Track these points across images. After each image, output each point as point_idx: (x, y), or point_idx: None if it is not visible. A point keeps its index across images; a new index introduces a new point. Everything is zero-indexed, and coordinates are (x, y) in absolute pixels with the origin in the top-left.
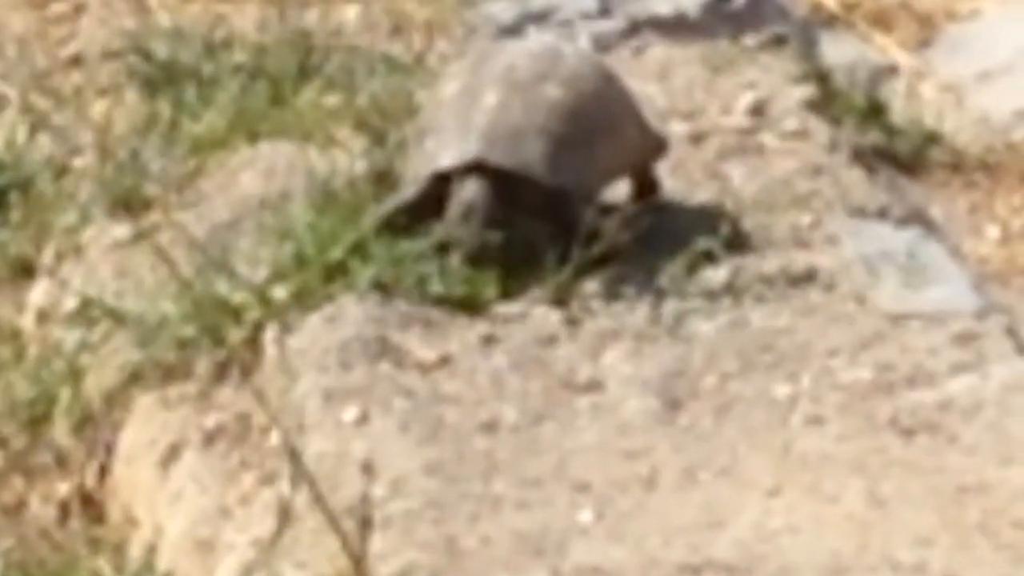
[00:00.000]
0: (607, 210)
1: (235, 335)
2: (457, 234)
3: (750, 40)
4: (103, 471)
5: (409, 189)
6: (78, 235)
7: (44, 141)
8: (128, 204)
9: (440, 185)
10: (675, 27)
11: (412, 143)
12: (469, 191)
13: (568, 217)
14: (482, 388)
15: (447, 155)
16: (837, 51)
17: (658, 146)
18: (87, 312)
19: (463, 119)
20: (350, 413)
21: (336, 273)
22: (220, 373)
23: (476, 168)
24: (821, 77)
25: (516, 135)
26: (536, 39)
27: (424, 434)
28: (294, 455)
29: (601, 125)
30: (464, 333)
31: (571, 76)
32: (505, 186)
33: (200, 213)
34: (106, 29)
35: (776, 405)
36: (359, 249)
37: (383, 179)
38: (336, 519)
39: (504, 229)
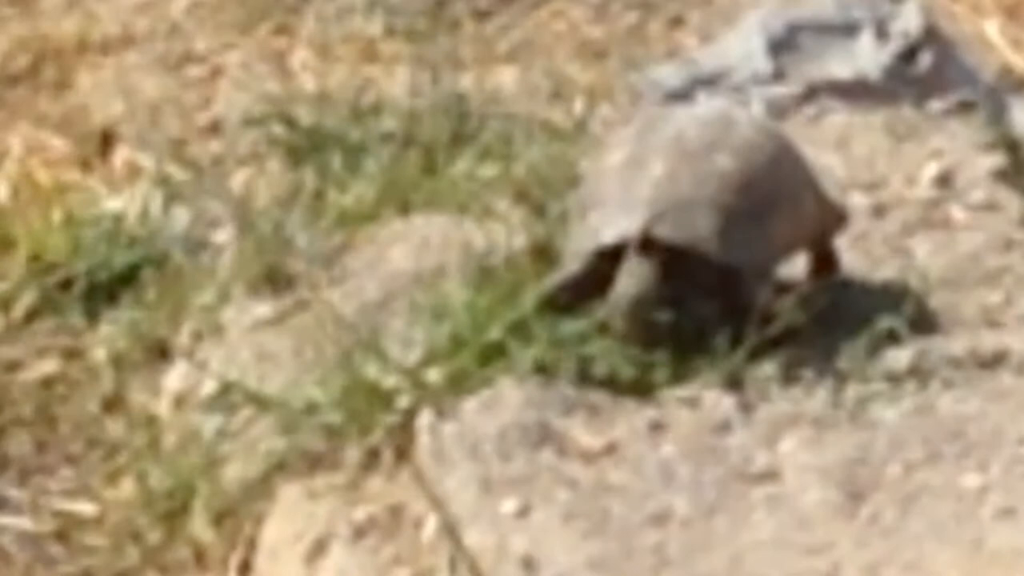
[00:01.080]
0: (783, 288)
1: (386, 421)
2: (624, 314)
3: (935, 105)
4: (244, 567)
5: (571, 266)
6: (217, 314)
7: (180, 214)
8: (271, 281)
9: (604, 261)
10: (855, 92)
11: (574, 216)
12: (635, 268)
13: (741, 295)
14: (651, 478)
15: (611, 230)
16: None
17: (838, 219)
18: (227, 397)
19: (628, 191)
20: (509, 505)
21: (494, 355)
22: (370, 462)
23: (643, 243)
24: (1011, 145)
25: (685, 208)
26: (706, 105)
27: (589, 527)
28: (458, 547)
29: (776, 197)
30: (631, 419)
31: (744, 145)
32: (674, 263)
33: (348, 291)
34: (246, 94)
35: (965, 496)
36: (519, 329)
37: (543, 254)
38: None
39: (674, 309)
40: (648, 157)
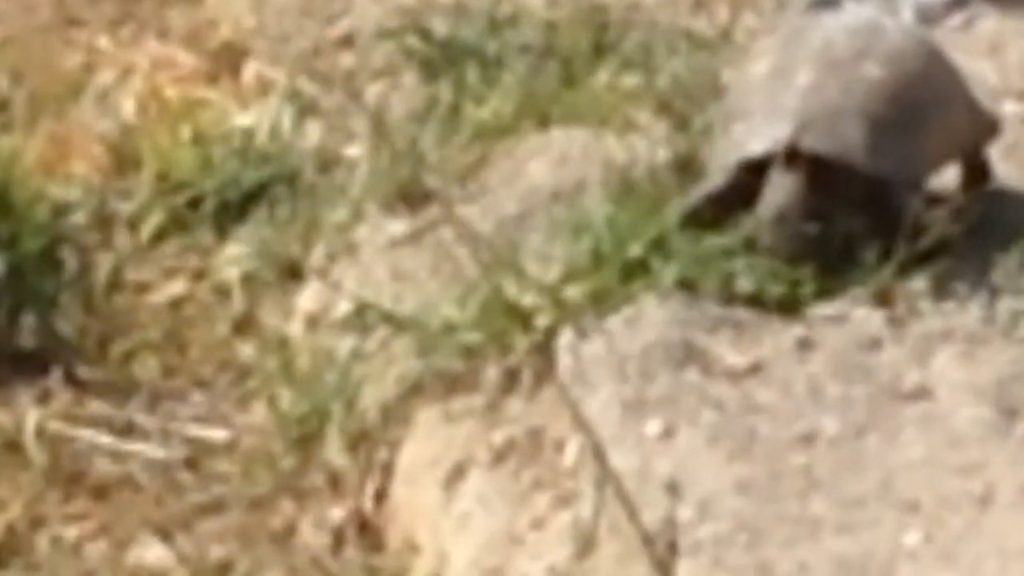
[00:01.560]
0: (934, 200)
1: (525, 341)
2: (769, 228)
3: None
4: (381, 493)
5: (715, 179)
6: (351, 233)
7: (313, 129)
8: (406, 198)
9: (750, 174)
10: None
11: (718, 128)
12: (782, 181)
13: (891, 208)
14: (798, 397)
15: (757, 141)
16: None
17: (990, 128)
18: (361, 318)
19: (774, 101)
20: (653, 426)
21: (636, 272)
22: (509, 383)
23: (790, 155)
24: None
25: (833, 118)
26: (854, 12)
27: (735, 449)
28: (604, 470)
29: (927, 106)
30: (778, 337)
31: (893, 53)
32: (822, 174)
33: (485, 207)
34: (380, 5)
35: None
36: (661, 245)
37: (687, 167)
38: (647, 543)
39: (821, 222)
40: (794, 66)
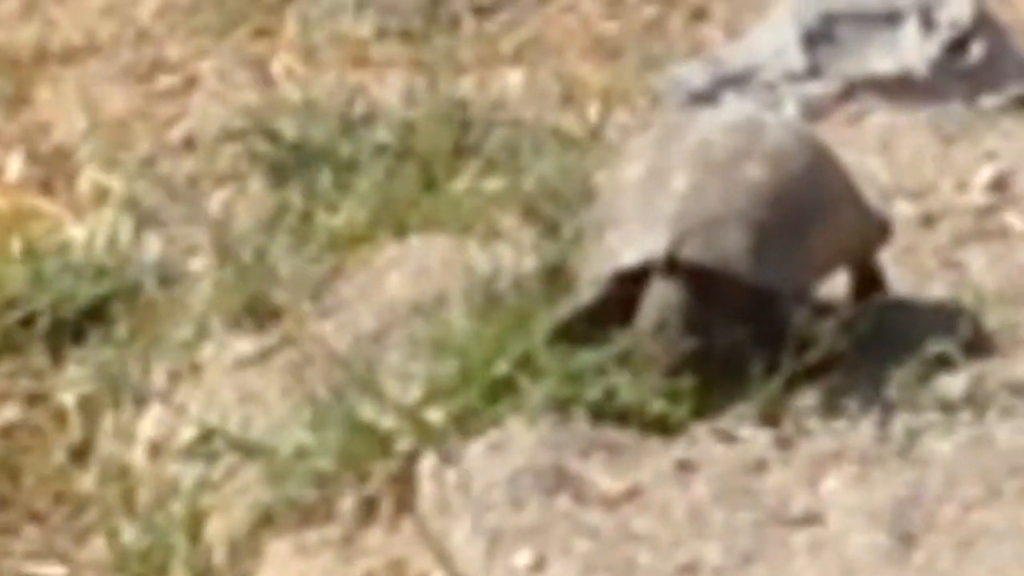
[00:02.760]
0: (822, 310)
1: (384, 468)
2: (647, 343)
3: (988, 101)
4: None
5: (587, 291)
6: (195, 352)
7: (153, 240)
8: (254, 314)
9: (624, 285)
10: (898, 88)
11: (589, 236)
12: (659, 293)
13: (776, 320)
14: (679, 524)
15: (632, 251)
16: None
17: (881, 232)
18: (207, 444)
19: (649, 207)
20: (522, 558)
21: (502, 391)
22: (367, 513)
23: (668, 266)
24: None
25: (713, 225)
26: (733, 108)
27: None
28: None
29: (813, 209)
30: (656, 459)
31: (776, 152)
32: (702, 285)
33: (340, 323)
34: (223, 106)
35: None
36: (529, 362)
37: (556, 278)
38: None
39: (702, 335)
40: (670, 168)
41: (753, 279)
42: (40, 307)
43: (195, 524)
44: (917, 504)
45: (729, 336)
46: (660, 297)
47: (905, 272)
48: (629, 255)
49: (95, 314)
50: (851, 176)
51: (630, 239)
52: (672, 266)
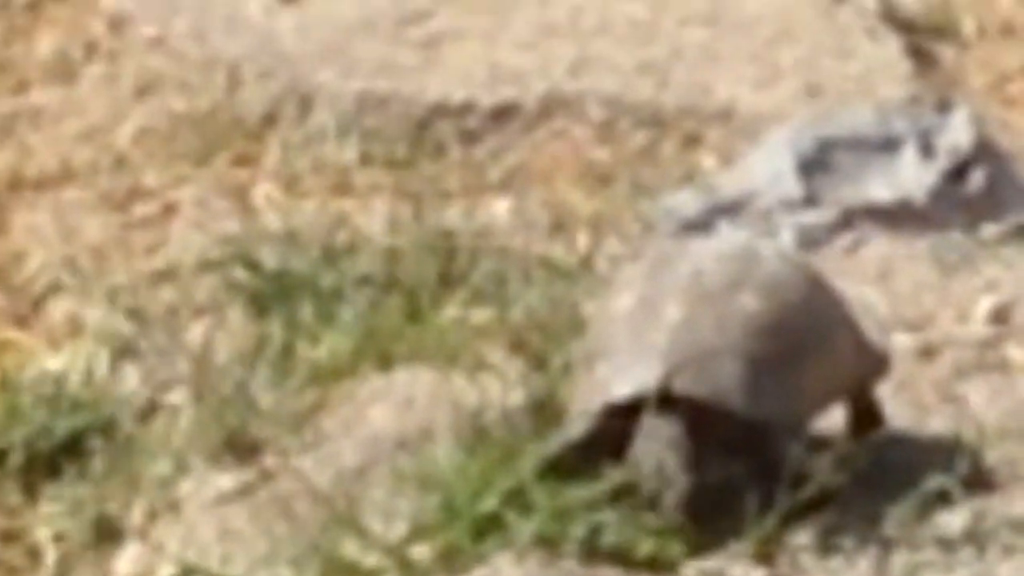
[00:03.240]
0: (819, 444)
1: None
2: (638, 478)
3: (989, 230)
4: None
5: (577, 425)
6: (174, 488)
7: (130, 373)
8: (234, 449)
9: (615, 419)
10: (897, 217)
11: (579, 368)
12: (651, 427)
13: (772, 454)
14: None
15: (623, 384)
16: None
17: (879, 365)
18: None
19: (641, 339)
20: None
21: (490, 528)
22: None
23: (659, 399)
24: None
25: (706, 357)
26: (727, 237)
27: None
28: None
29: (809, 342)
30: None
31: (771, 282)
32: (695, 419)
33: (322, 458)
34: (202, 235)
35: None
36: (517, 498)
37: (545, 411)
38: None
39: (695, 470)
40: (662, 299)
41: (748, 413)
42: (14, 441)
43: None
44: None
45: (723, 471)
46: (652, 432)
47: (904, 406)
48: (620, 388)
49: (71, 449)
50: (849, 307)
51: (621, 371)
52: (665, 400)
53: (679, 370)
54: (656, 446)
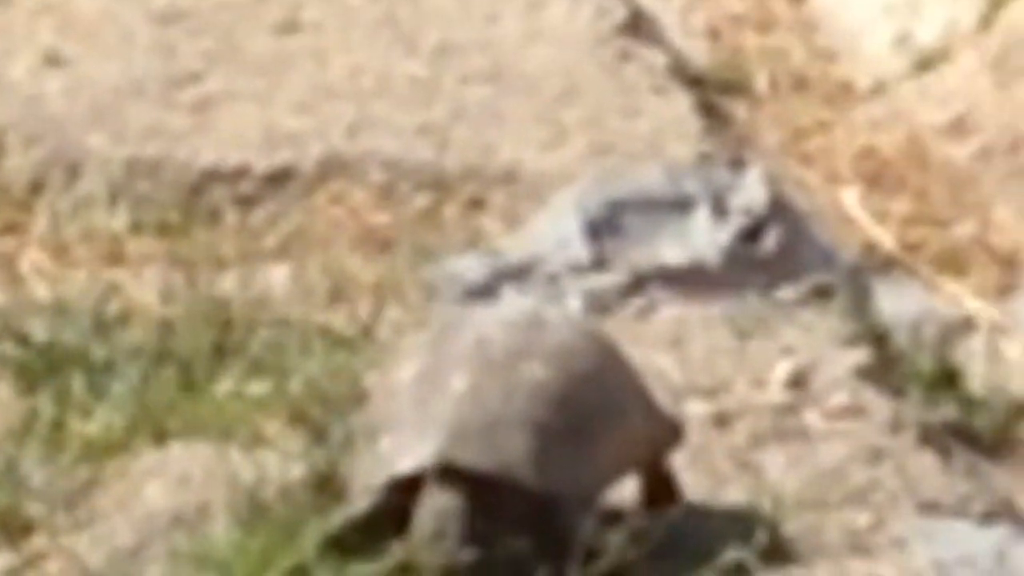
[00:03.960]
0: (611, 517)
1: None
2: (423, 554)
3: (785, 293)
4: None
5: (360, 500)
6: None
7: None
8: (3, 529)
9: (400, 493)
10: (690, 280)
11: (362, 441)
12: (435, 502)
13: (561, 529)
14: None
15: (406, 457)
16: (897, 303)
17: (671, 434)
18: None
19: (424, 410)
20: None
21: None
22: None
23: (443, 472)
24: (878, 337)
25: (492, 429)
26: (512, 304)
27: None
28: None
29: (599, 411)
30: None
31: (558, 350)
32: (480, 492)
33: (96, 537)
34: None
35: None
36: None
37: (325, 486)
38: None
39: (482, 545)
40: (446, 369)
41: (534, 485)
42: None
43: None
44: None
45: (510, 546)
46: (435, 506)
47: (699, 476)
48: (404, 462)
49: None
50: (640, 375)
51: (404, 445)
52: (447, 472)
53: (463, 442)
54: (439, 521)
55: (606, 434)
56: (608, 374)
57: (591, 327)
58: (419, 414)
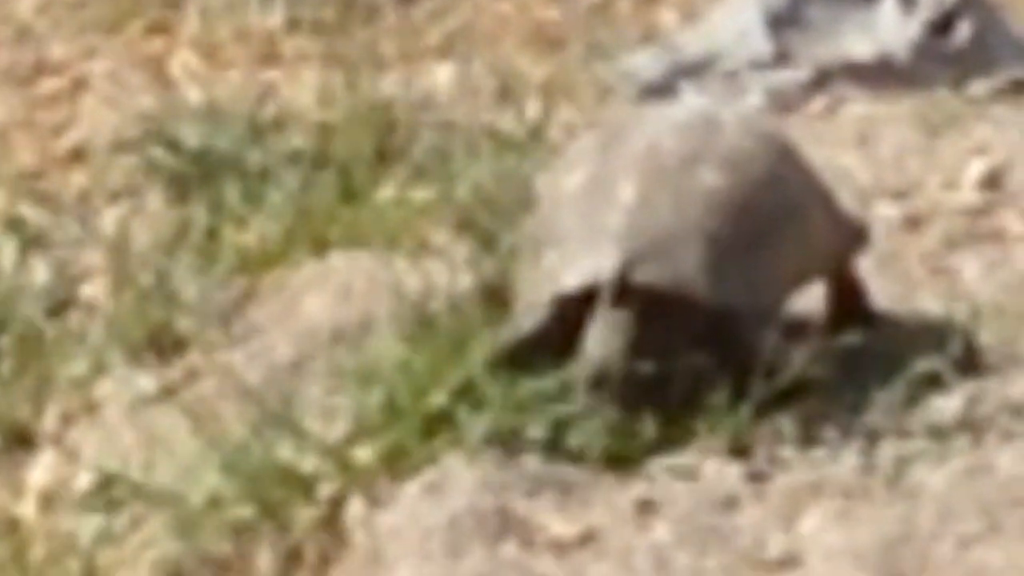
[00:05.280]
0: (795, 328)
1: (307, 515)
2: (596, 372)
3: (977, 88)
4: None
5: (527, 318)
6: (90, 389)
7: (40, 265)
8: (156, 346)
9: (569, 307)
10: (878, 75)
11: (527, 254)
12: (608, 321)
13: (742, 343)
14: (640, 571)
15: (574, 273)
16: None
17: (856, 239)
18: (107, 492)
19: (593, 223)
20: None
21: (439, 426)
22: (289, 566)
23: (615, 290)
24: None
25: (665, 242)
26: (686, 104)
27: None
28: None
29: (776, 219)
30: (613, 499)
31: (733, 155)
32: (655, 309)
33: (253, 353)
34: (116, 111)
35: None
36: (468, 392)
37: (495, 296)
38: None
39: (659, 361)
40: (615, 177)
41: (712, 300)
42: None
43: None
44: (908, 542)
45: (690, 361)
46: (607, 325)
47: (889, 282)
48: (571, 278)
49: None
50: (821, 177)
51: (572, 259)
52: (621, 291)
53: (636, 257)
54: (612, 337)
55: (785, 242)
56: (787, 178)
57: (769, 128)
58: (586, 227)
